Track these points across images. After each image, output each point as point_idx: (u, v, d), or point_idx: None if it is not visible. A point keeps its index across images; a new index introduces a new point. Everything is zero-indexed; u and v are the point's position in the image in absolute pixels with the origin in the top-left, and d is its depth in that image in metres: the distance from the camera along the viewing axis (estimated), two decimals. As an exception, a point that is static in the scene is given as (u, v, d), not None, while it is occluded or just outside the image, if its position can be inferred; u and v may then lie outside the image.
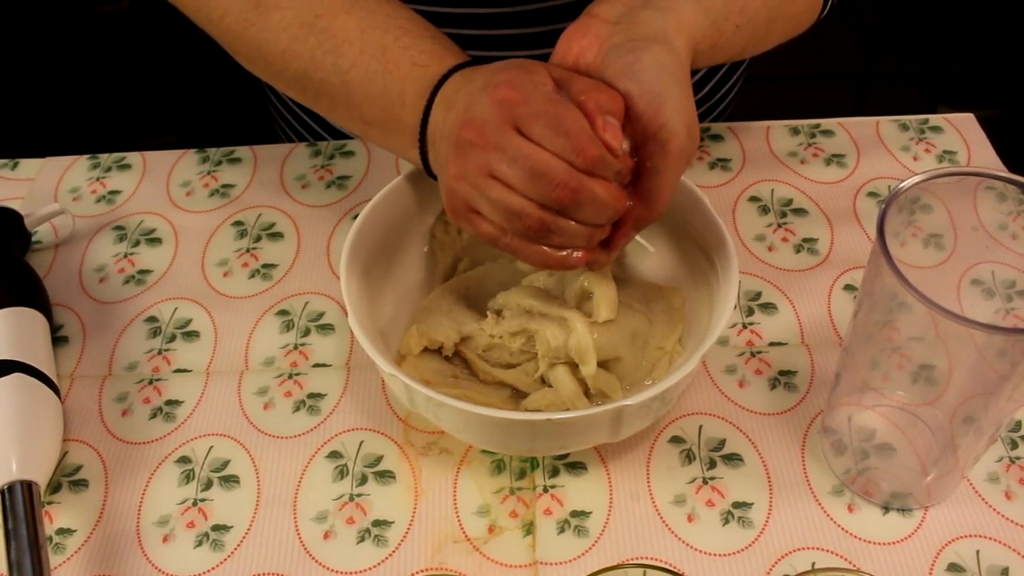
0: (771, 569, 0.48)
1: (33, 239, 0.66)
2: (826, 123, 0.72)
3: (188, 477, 0.53)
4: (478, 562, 0.48)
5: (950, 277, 0.47)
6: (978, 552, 0.48)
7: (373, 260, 0.54)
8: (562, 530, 0.50)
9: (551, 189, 0.42)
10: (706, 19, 0.48)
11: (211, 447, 0.54)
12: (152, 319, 0.61)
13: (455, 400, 0.45)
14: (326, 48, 0.51)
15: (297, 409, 0.56)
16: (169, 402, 0.56)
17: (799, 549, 0.48)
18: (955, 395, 0.43)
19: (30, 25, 1.29)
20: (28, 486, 0.48)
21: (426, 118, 0.49)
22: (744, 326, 0.59)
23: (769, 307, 0.60)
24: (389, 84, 0.50)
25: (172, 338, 0.60)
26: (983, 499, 0.50)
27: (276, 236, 0.66)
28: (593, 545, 0.49)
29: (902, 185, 0.42)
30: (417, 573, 0.48)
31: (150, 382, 0.57)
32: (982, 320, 0.37)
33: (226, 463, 0.53)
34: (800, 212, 0.65)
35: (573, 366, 0.51)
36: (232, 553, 0.50)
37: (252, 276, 0.63)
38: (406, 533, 0.50)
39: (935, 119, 0.72)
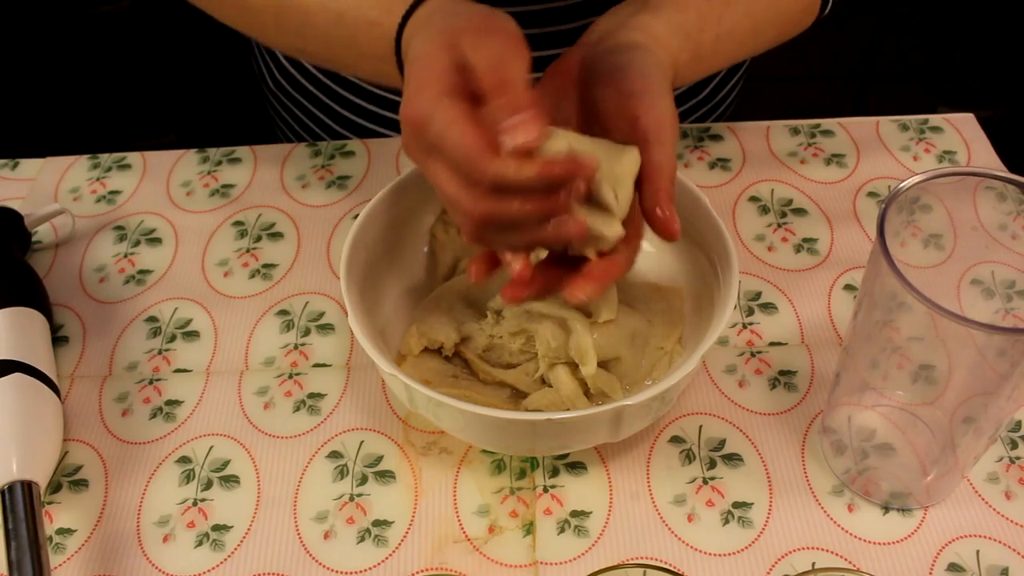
0: (771, 569, 0.48)
1: (33, 239, 0.66)
2: (826, 123, 0.72)
3: (188, 477, 0.53)
4: (478, 562, 0.49)
5: (950, 277, 0.47)
6: (978, 552, 0.48)
7: (373, 260, 0.54)
8: (562, 530, 0.50)
9: (466, 220, 0.42)
10: (679, 34, 0.49)
11: (211, 447, 0.54)
12: (152, 319, 0.61)
13: (455, 400, 0.45)
14: (294, 30, 0.51)
15: (297, 409, 0.56)
16: (169, 402, 0.56)
17: (799, 549, 0.48)
18: (955, 395, 0.43)
19: (30, 25, 1.29)
20: (28, 486, 0.48)
21: (407, 17, 0.48)
22: (744, 326, 0.59)
23: (769, 307, 0.60)
24: (358, 48, 0.50)
25: (172, 338, 0.60)
26: (983, 499, 0.50)
27: (276, 236, 0.66)
28: (593, 545, 0.49)
29: (902, 185, 0.42)
30: (417, 573, 0.48)
31: (150, 382, 0.57)
32: (982, 320, 0.37)
33: (226, 463, 0.53)
34: (800, 212, 0.65)
35: (573, 366, 0.51)
36: (232, 553, 0.50)
37: (252, 276, 0.63)
38: (406, 533, 0.50)
39: (935, 119, 0.72)
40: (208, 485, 0.52)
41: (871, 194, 0.67)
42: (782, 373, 0.56)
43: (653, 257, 0.59)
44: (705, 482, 0.51)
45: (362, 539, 0.50)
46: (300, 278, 0.63)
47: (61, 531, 0.51)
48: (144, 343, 0.60)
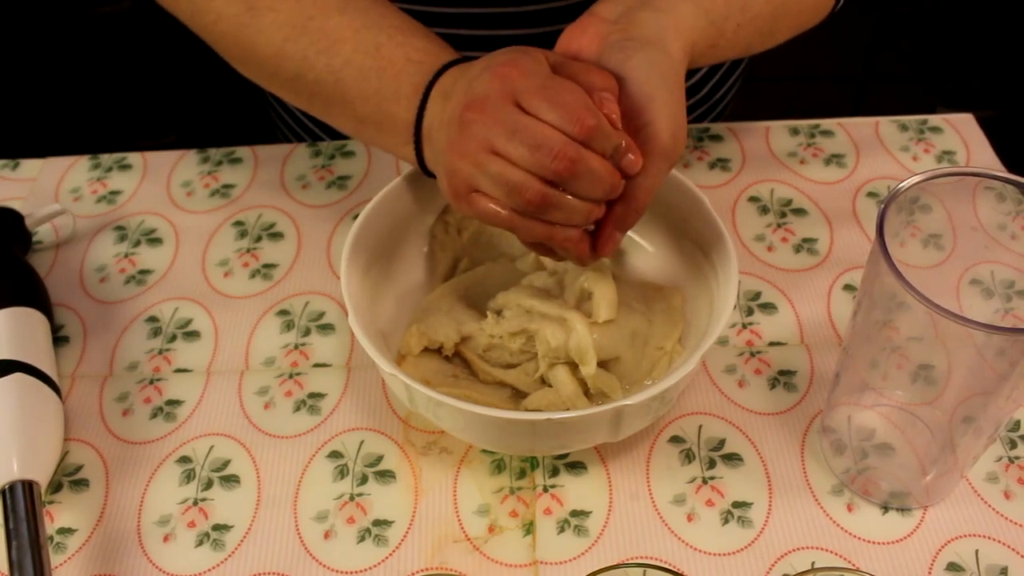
0: (771, 569, 0.48)
1: (34, 239, 0.66)
2: (826, 123, 0.72)
3: (189, 477, 0.53)
4: (478, 562, 0.49)
5: (949, 277, 0.47)
6: (977, 552, 0.48)
7: (373, 260, 0.54)
8: (562, 530, 0.50)
9: (550, 160, 0.42)
10: (705, 19, 0.48)
11: (212, 447, 0.54)
12: (153, 319, 0.61)
13: (455, 400, 0.45)
14: (319, 48, 0.51)
15: (297, 409, 0.56)
16: (170, 402, 0.56)
17: (798, 549, 0.48)
18: (954, 395, 0.43)
19: (30, 26, 1.29)
20: (29, 486, 0.48)
21: (421, 112, 0.49)
22: (744, 326, 0.59)
23: (769, 307, 0.60)
24: (383, 81, 0.50)
25: (173, 338, 0.60)
26: (982, 499, 0.50)
27: (276, 236, 0.66)
28: (593, 545, 0.49)
29: (901, 185, 0.42)
30: (417, 573, 0.48)
31: (151, 382, 0.58)
32: (981, 320, 0.37)
33: (226, 463, 0.53)
34: (800, 212, 0.66)
35: (573, 366, 0.51)
36: (232, 553, 0.50)
37: (252, 276, 0.63)
38: (406, 533, 0.50)
39: (934, 119, 0.72)
40: (208, 485, 0.52)
41: (871, 194, 0.67)
42: (782, 373, 0.56)
43: (653, 257, 0.59)
44: (705, 482, 0.51)
45: (362, 539, 0.50)
46: (300, 278, 0.63)
47: (62, 531, 0.51)
48: (145, 343, 0.60)
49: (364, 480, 0.52)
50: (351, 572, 0.49)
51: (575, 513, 0.50)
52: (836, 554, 0.48)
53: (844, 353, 0.47)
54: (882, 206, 0.42)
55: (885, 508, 0.50)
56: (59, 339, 0.60)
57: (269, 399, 0.56)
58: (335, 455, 0.53)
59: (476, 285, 0.57)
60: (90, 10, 1.28)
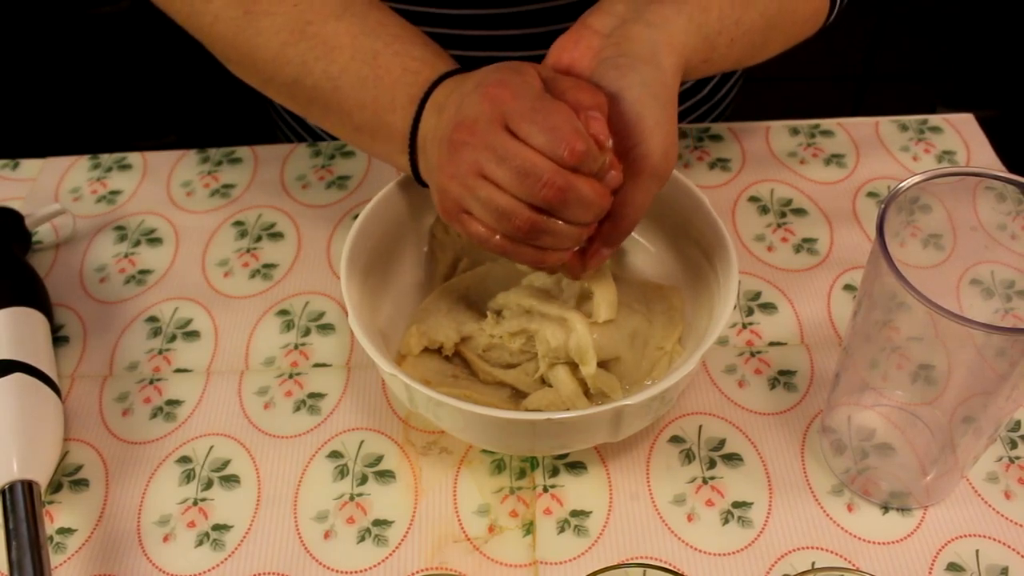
0: (771, 569, 0.48)
1: (34, 239, 0.66)
2: (826, 123, 0.72)
3: (188, 477, 0.53)
4: (478, 562, 0.49)
5: (949, 277, 0.47)
6: (977, 552, 0.48)
7: (373, 260, 0.54)
8: (562, 530, 0.50)
9: (538, 188, 0.42)
10: (698, 34, 0.48)
11: (211, 447, 0.54)
12: (153, 319, 0.61)
13: (455, 400, 0.45)
14: (317, 54, 0.51)
15: (297, 409, 0.56)
16: (169, 402, 0.56)
17: (799, 549, 0.48)
18: (954, 395, 0.43)
19: (30, 25, 1.29)
20: (29, 486, 0.48)
21: (416, 123, 0.49)
22: (744, 326, 0.59)
23: (769, 307, 0.60)
24: (380, 90, 0.50)
25: (173, 338, 0.60)
26: (982, 499, 0.50)
27: (276, 236, 0.66)
28: (593, 545, 0.49)
29: (901, 185, 0.42)
30: (417, 573, 0.48)
31: (151, 382, 0.58)
32: (981, 320, 0.37)
33: (226, 463, 0.53)
34: (800, 212, 0.66)
35: (573, 366, 0.51)
36: (232, 553, 0.50)
37: (252, 276, 0.63)
38: (406, 533, 0.50)
39: (934, 119, 0.72)
40: (208, 485, 0.52)
41: (871, 194, 0.67)
42: (782, 373, 0.56)
43: (653, 257, 0.59)
44: (705, 482, 0.51)
45: (362, 539, 0.50)
46: (300, 278, 0.63)
47: (62, 531, 0.51)
48: (144, 343, 0.60)
49: (364, 480, 0.52)
50: (351, 572, 0.49)
51: (575, 513, 0.50)
52: (836, 554, 0.48)
53: (844, 353, 0.47)
54: (882, 206, 0.42)
55: (885, 508, 0.50)
56: (59, 339, 0.60)
57: (269, 399, 0.56)
58: (335, 455, 0.53)
59: (476, 285, 0.57)
60: (90, 10, 1.28)
